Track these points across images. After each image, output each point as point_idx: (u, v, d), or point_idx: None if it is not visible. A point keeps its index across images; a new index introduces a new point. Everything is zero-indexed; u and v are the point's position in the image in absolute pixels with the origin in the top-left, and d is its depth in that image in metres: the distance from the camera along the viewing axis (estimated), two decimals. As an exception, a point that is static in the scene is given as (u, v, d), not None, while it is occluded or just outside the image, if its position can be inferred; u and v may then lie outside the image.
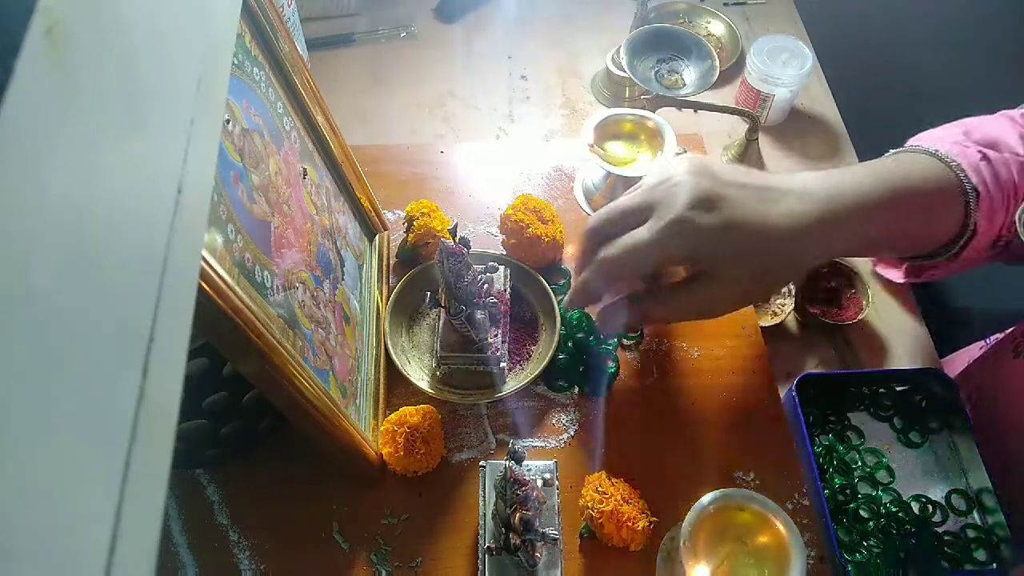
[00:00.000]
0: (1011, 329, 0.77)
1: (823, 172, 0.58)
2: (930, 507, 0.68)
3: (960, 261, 0.63)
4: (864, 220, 0.56)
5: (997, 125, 0.64)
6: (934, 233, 0.62)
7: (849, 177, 0.57)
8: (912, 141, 0.68)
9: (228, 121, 0.51)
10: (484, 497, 0.62)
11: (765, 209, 0.54)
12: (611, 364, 0.73)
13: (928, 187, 0.59)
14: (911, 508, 0.67)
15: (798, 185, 0.56)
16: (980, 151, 0.61)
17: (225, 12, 0.35)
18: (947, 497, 0.68)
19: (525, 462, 0.61)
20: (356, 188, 0.76)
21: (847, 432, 0.72)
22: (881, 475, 0.70)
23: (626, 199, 0.57)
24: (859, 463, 0.70)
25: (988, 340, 0.82)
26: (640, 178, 0.82)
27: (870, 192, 0.56)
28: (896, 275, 0.77)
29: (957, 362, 0.85)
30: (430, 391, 0.70)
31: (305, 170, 0.65)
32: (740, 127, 0.99)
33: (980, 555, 0.65)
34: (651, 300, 0.58)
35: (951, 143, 0.62)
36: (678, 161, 0.57)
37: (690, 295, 0.56)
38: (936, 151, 0.61)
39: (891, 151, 0.67)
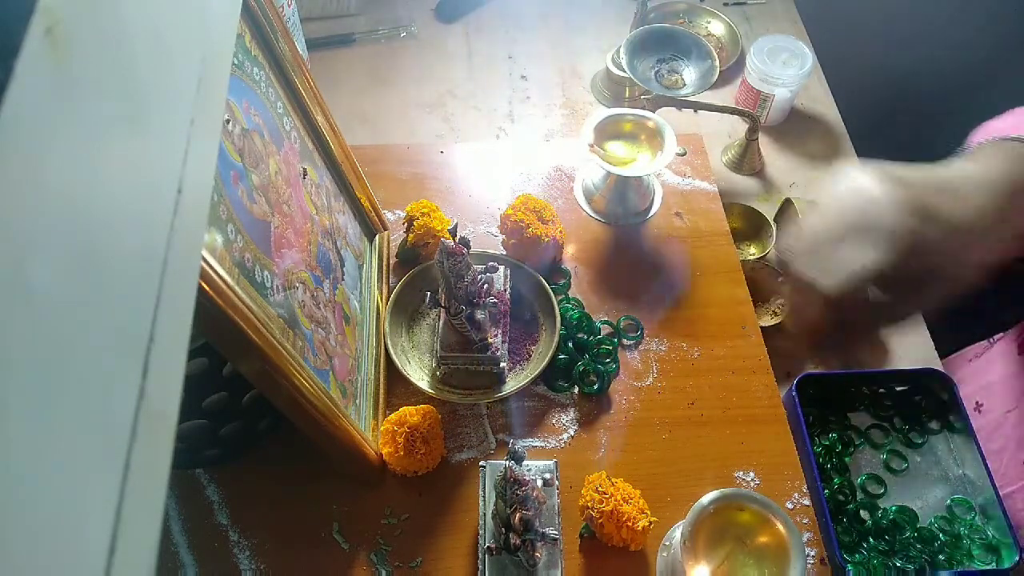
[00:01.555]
0: (1016, 327, 0.77)
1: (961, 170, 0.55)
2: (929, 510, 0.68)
3: None
4: (1006, 220, 0.53)
5: None
6: None
7: (974, 186, 0.54)
8: (980, 134, 0.65)
9: (228, 121, 0.51)
10: (484, 497, 0.62)
11: (963, 206, 0.52)
12: (611, 364, 0.73)
13: None
14: (911, 508, 0.67)
15: (969, 178, 0.54)
16: None
17: (225, 12, 0.35)
18: (949, 507, 0.68)
19: (525, 462, 0.61)
20: (356, 188, 0.76)
21: (847, 432, 0.72)
22: (881, 475, 0.70)
23: (821, 226, 0.54)
24: (858, 463, 0.70)
25: (992, 340, 0.82)
26: (640, 178, 0.83)
27: (1001, 193, 0.53)
28: None
29: (960, 360, 0.85)
30: (430, 391, 0.70)
31: (305, 170, 0.65)
32: (740, 127, 0.99)
33: (979, 555, 0.65)
34: (896, 305, 0.56)
35: None
36: (855, 174, 0.54)
37: (932, 294, 0.55)
38: None
39: (972, 148, 0.62)
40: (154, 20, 0.26)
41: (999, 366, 0.77)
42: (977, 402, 0.75)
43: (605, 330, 0.76)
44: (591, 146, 0.79)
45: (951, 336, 0.87)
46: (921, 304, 0.56)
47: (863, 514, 0.67)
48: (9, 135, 0.17)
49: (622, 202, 0.84)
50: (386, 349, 0.72)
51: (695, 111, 0.94)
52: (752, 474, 0.68)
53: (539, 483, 0.62)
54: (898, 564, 0.64)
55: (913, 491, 0.69)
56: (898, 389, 0.73)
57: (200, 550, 0.63)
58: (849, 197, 0.54)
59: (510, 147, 0.94)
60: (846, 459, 0.70)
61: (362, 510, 0.65)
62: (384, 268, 0.79)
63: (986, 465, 0.67)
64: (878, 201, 0.52)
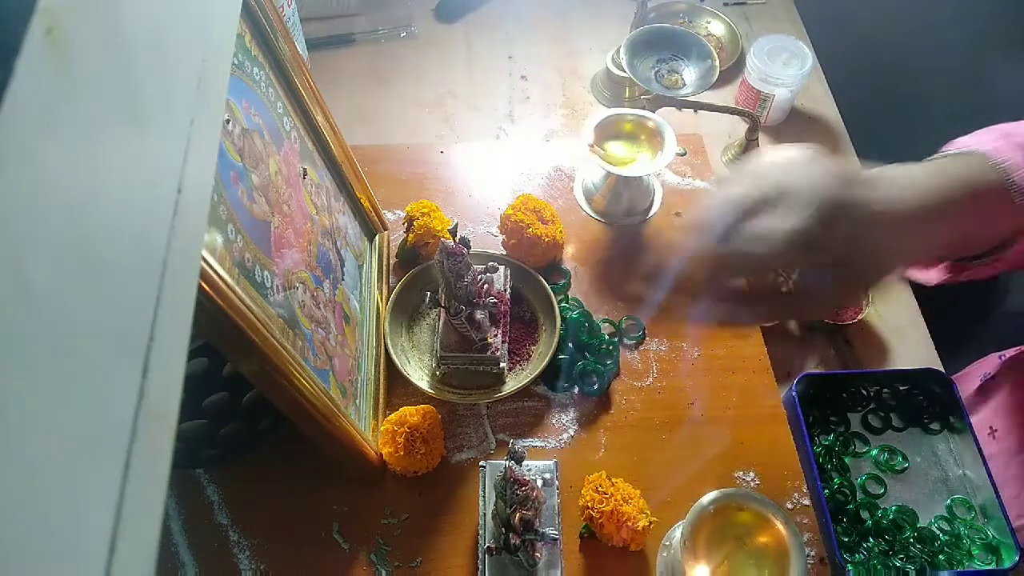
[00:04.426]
0: None
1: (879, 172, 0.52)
2: (930, 511, 0.68)
3: (1005, 262, 0.61)
4: (933, 221, 0.51)
5: None
6: (984, 235, 0.58)
7: (909, 181, 0.52)
8: (948, 147, 0.65)
9: (228, 121, 0.51)
10: (484, 497, 0.62)
11: (897, 193, 0.49)
12: (611, 364, 0.73)
13: (979, 189, 0.56)
14: (911, 508, 0.67)
15: (910, 175, 0.51)
16: None
17: (225, 12, 0.35)
18: (949, 507, 0.68)
19: (525, 462, 0.61)
20: (356, 188, 0.76)
21: (847, 433, 0.72)
22: (881, 475, 0.70)
23: (736, 191, 0.49)
24: (858, 463, 0.70)
25: (1003, 356, 0.80)
26: (640, 178, 0.83)
27: (933, 195, 0.53)
28: (932, 277, 0.68)
29: (972, 375, 0.82)
30: (430, 391, 0.70)
31: (305, 170, 0.65)
32: (740, 127, 0.99)
33: (979, 555, 0.65)
34: (801, 298, 0.53)
35: (992, 145, 0.59)
36: (777, 149, 0.51)
37: (840, 287, 0.51)
38: (984, 152, 0.58)
39: (934, 157, 0.63)
40: (154, 20, 0.26)
41: (1012, 388, 0.74)
42: (991, 427, 0.74)
43: (606, 329, 0.76)
44: (591, 146, 0.79)
45: (952, 357, 0.85)
46: (834, 293, 0.51)
47: (863, 514, 0.67)
48: (9, 135, 0.17)
49: (622, 202, 0.84)
50: (386, 349, 0.72)
51: (695, 111, 0.94)
52: (752, 474, 0.68)
53: (539, 483, 0.62)
54: (898, 564, 0.64)
55: (913, 491, 0.69)
56: (898, 389, 0.73)
57: (200, 550, 0.63)
58: (771, 165, 0.50)
59: (510, 147, 0.94)
60: (846, 459, 0.70)
61: (362, 510, 0.65)
62: (384, 268, 0.79)
63: (986, 465, 0.67)
64: (802, 168, 0.48)
